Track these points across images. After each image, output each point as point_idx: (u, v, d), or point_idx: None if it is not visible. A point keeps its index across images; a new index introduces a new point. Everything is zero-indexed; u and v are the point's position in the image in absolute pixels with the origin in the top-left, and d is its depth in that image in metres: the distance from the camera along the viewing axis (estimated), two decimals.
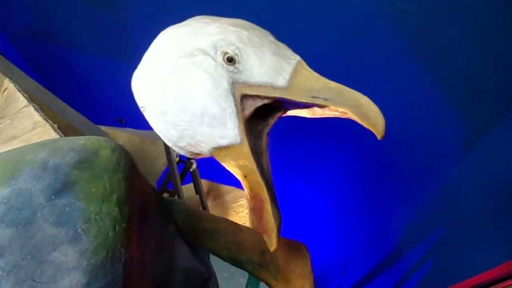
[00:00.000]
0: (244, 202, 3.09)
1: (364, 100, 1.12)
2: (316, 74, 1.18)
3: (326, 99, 1.13)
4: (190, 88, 1.18)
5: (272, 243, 1.15)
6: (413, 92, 4.14)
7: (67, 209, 0.91)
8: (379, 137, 1.11)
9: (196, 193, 2.84)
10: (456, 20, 3.52)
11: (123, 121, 5.27)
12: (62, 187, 0.92)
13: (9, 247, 0.86)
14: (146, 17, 4.08)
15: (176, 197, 2.55)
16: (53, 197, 0.90)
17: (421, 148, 4.57)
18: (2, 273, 0.85)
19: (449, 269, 4.52)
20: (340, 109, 1.13)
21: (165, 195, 2.60)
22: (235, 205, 3.11)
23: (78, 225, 0.90)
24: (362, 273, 6.82)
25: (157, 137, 2.76)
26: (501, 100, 3.91)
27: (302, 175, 5.81)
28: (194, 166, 2.74)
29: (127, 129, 2.76)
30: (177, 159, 2.62)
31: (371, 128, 1.11)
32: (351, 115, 1.12)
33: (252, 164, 1.18)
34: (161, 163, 2.58)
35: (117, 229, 0.95)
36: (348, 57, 3.97)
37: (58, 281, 0.87)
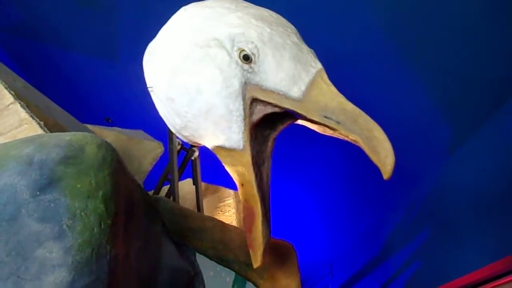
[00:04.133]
0: (231, 201, 3.08)
1: (378, 133, 1.05)
2: (334, 89, 1.11)
3: (338, 122, 1.07)
4: (199, 82, 1.14)
5: (257, 260, 1.11)
6: (400, 93, 4.16)
7: (52, 205, 0.89)
8: (385, 177, 1.03)
9: (193, 184, 2.80)
10: (444, 23, 3.54)
11: (110, 120, 5.26)
12: (48, 183, 0.91)
13: None
14: (133, 17, 4.07)
15: (171, 196, 2.54)
16: (38, 193, 0.89)
17: (408, 149, 4.58)
18: None
19: (437, 270, 4.54)
20: (350, 136, 1.07)
21: (151, 195, 2.59)
22: (221, 204, 3.10)
23: (63, 222, 0.89)
24: (348, 274, 6.84)
25: (143, 137, 2.76)
26: (487, 101, 3.94)
27: (289, 175, 5.82)
28: (196, 154, 2.68)
29: (114, 128, 2.75)
30: (179, 147, 2.58)
31: (378, 166, 1.04)
32: (361, 145, 1.05)
33: (250, 175, 1.14)
34: (147, 162, 2.57)
35: (102, 225, 0.94)
36: (339, 59, 3.97)
37: (42, 278, 0.86)
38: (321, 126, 1.14)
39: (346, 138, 1.10)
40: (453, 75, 3.82)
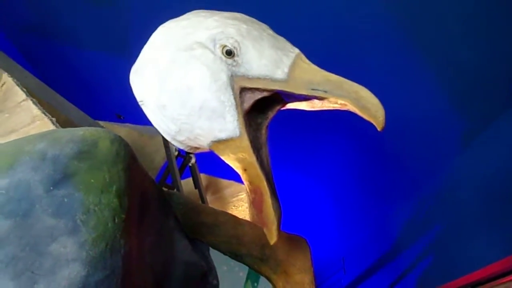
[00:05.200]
0: (243, 196, 3.09)
1: (364, 92, 1.11)
2: (315, 67, 1.18)
3: (325, 91, 1.13)
4: (189, 81, 1.17)
5: (272, 236, 1.14)
6: (412, 88, 4.14)
7: (66, 200, 0.89)
8: (379, 129, 1.10)
9: (195, 188, 2.84)
10: (456, 16, 3.51)
11: (121, 117, 5.27)
12: (61, 178, 0.91)
13: (7, 239, 0.85)
14: (145, 13, 4.06)
15: (175, 191, 2.55)
16: (52, 188, 0.89)
17: (420, 144, 4.56)
18: (1, 265, 0.84)
19: (448, 265, 4.52)
20: (339, 101, 1.12)
21: (164, 189, 2.60)
22: (234, 199, 3.11)
23: (77, 216, 0.89)
24: (361, 269, 6.83)
25: (155, 132, 2.76)
26: (500, 96, 3.90)
27: (302, 170, 5.82)
28: (193, 160, 2.74)
29: (126, 124, 2.76)
30: (176, 153, 2.62)
31: (371, 120, 1.09)
32: (350, 107, 1.11)
33: (251, 157, 1.17)
34: (160, 158, 2.58)
35: (116, 220, 0.94)
36: (348, 53, 3.96)
37: (57, 273, 0.86)
38: (310, 101, 1.22)
39: (335, 106, 1.17)
40: (466, 69, 3.79)
